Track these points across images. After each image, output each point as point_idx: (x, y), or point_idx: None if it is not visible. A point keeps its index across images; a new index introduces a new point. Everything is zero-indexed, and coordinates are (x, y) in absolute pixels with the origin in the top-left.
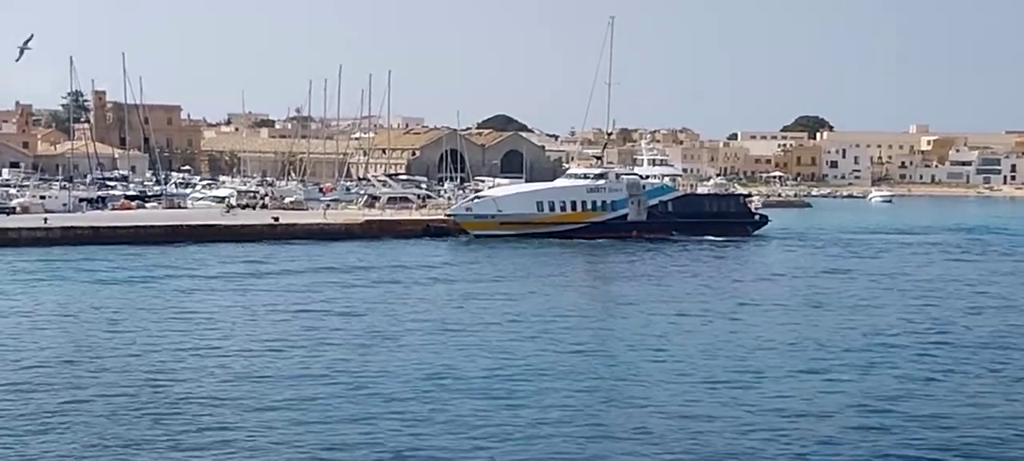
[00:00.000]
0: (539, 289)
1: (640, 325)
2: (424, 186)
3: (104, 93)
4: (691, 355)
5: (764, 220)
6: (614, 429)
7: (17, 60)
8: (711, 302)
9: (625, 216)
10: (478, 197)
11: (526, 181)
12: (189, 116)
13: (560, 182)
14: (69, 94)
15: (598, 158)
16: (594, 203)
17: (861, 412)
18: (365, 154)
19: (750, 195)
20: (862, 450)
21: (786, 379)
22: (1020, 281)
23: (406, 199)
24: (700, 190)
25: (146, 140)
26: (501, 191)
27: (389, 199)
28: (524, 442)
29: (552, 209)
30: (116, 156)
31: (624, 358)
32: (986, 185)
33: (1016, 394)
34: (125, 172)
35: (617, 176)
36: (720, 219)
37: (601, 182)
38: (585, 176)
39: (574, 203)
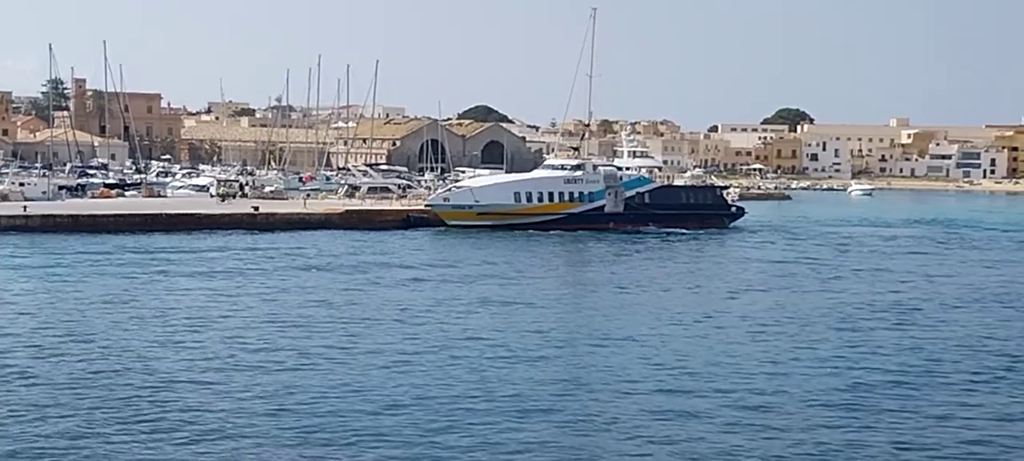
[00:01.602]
0: (512, 279)
1: (604, 315)
2: (404, 176)
3: (84, 81)
4: (657, 347)
5: (740, 212)
6: (583, 419)
7: None
8: (680, 292)
9: (602, 207)
10: (456, 188)
11: (507, 172)
12: (169, 105)
13: (537, 173)
14: (49, 82)
15: (575, 149)
16: (571, 194)
17: (818, 402)
18: (346, 144)
19: (727, 187)
20: (833, 440)
21: (742, 368)
22: (994, 274)
23: (387, 189)
24: (677, 182)
25: (126, 128)
26: (478, 182)
27: (370, 189)
28: (497, 432)
29: (529, 200)
30: (96, 144)
31: (590, 349)
32: (966, 179)
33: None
34: (105, 160)
35: (594, 167)
36: (696, 211)
37: (578, 173)
38: (562, 167)
39: (551, 194)
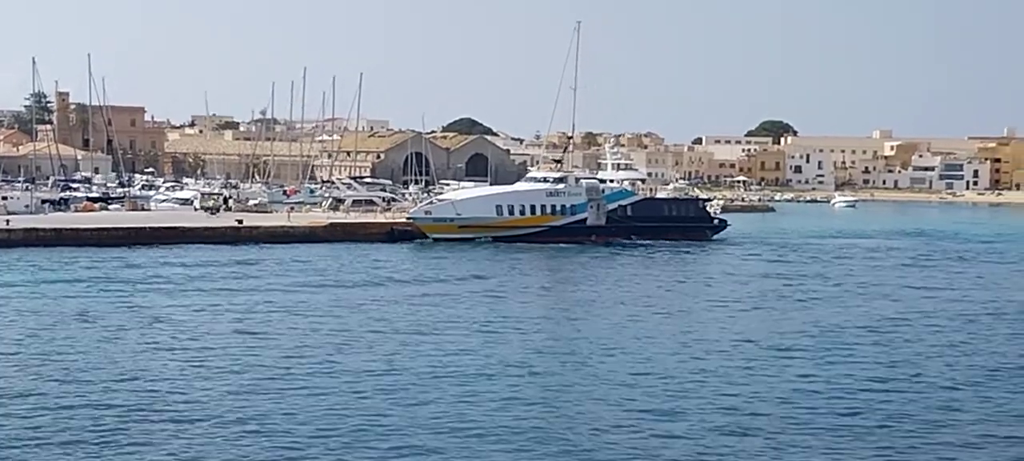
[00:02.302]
0: (490, 293)
1: (584, 327)
2: (388, 189)
3: (67, 94)
4: (635, 356)
5: (723, 224)
6: (562, 433)
7: None
8: (659, 306)
9: (584, 220)
10: (438, 201)
11: (491, 184)
12: (153, 118)
13: (519, 186)
14: (32, 95)
15: (558, 162)
16: (553, 207)
17: (795, 412)
18: (330, 157)
19: (709, 200)
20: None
21: (723, 378)
22: (978, 286)
23: (371, 202)
24: (660, 194)
25: (109, 142)
26: (460, 195)
27: (354, 202)
28: (475, 441)
29: (511, 213)
30: (79, 158)
31: (569, 361)
32: (949, 190)
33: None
34: (88, 174)
35: (576, 180)
36: (679, 223)
37: (560, 186)
38: (544, 180)
39: (533, 207)
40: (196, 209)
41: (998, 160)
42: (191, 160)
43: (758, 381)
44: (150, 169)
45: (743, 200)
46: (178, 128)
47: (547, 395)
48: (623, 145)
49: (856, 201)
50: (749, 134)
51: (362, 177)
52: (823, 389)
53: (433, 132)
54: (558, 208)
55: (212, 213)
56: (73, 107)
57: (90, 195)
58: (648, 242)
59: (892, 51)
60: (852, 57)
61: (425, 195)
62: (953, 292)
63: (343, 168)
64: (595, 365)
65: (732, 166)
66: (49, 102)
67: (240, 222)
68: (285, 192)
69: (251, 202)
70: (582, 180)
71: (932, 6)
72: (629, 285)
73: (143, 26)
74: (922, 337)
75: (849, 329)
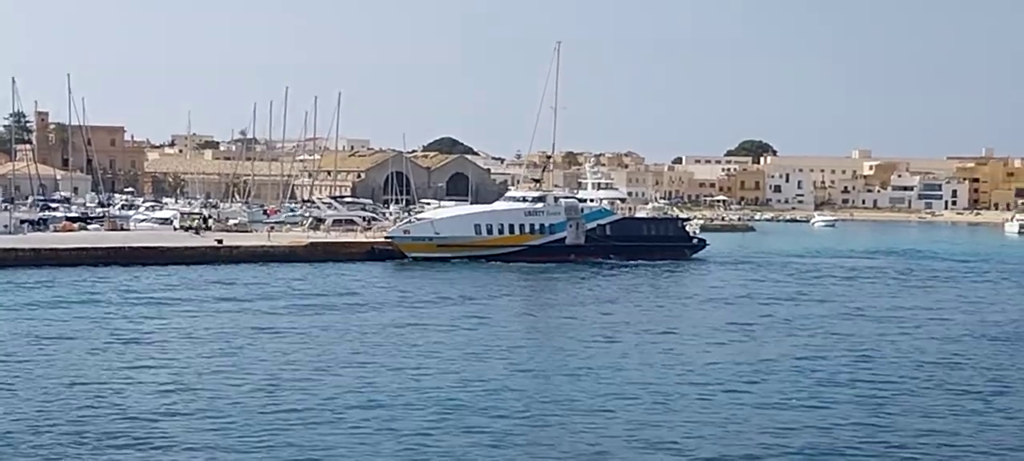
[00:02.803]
0: (467, 314)
1: (561, 347)
2: (369, 208)
3: (47, 114)
4: (612, 377)
5: (702, 243)
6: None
7: None
8: (635, 325)
9: (563, 239)
10: (417, 219)
11: (472, 203)
12: (133, 138)
13: (498, 205)
14: (11, 115)
15: (537, 181)
16: (532, 226)
17: (780, 428)
18: (310, 176)
19: (688, 219)
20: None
21: (693, 398)
22: (958, 305)
23: (351, 221)
24: (639, 213)
25: (89, 161)
26: (439, 214)
27: (334, 221)
28: None
29: (490, 232)
30: (58, 177)
31: (544, 381)
32: (928, 210)
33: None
34: (67, 194)
35: (555, 199)
36: (658, 243)
37: (539, 205)
38: (523, 199)
39: (512, 226)
40: (176, 229)
41: (976, 180)
42: (171, 180)
43: (736, 407)
44: (130, 189)
45: (723, 219)
46: (158, 148)
47: (523, 420)
48: (603, 164)
49: (836, 220)
50: (729, 153)
51: (343, 196)
52: (800, 413)
53: (414, 151)
54: (537, 227)
55: (197, 233)
56: (53, 127)
57: (69, 215)
58: (627, 261)
59: (871, 71)
60: (831, 77)
61: (406, 214)
62: (932, 311)
63: (324, 187)
64: (569, 389)
65: (712, 185)
66: (28, 122)
67: (220, 242)
68: (265, 212)
69: (231, 222)
70: (561, 199)
71: (910, 27)
72: (606, 306)
73: (124, 46)
74: (903, 356)
75: (828, 350)
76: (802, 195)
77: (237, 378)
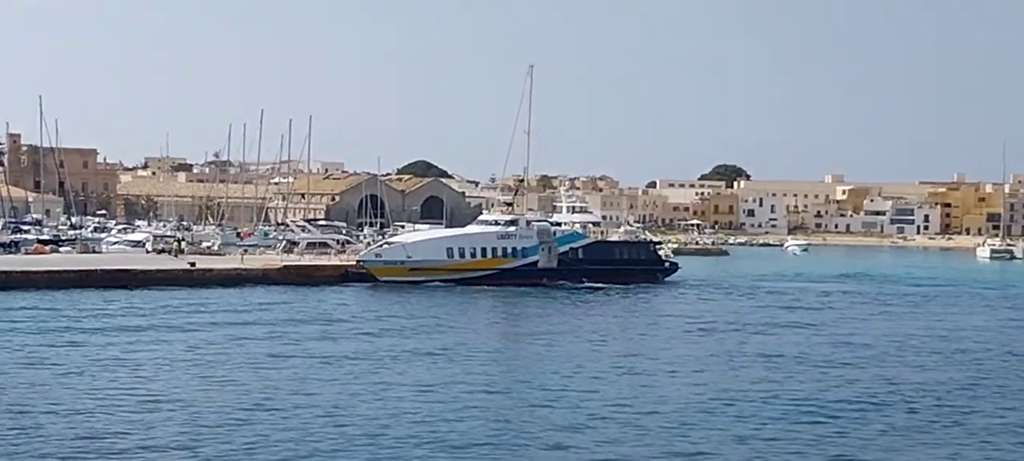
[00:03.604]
0: (436, 340)
1: (529, 371)
2: (343, 231)
3: (19, 136)
4: (580, 403)
5: (674, 267)
6: None
7: None
8: (606, 347)
9: (535, 263)
10: (388, 243)
11: (447, 227)
12: (105, 160)
13: (470, 229)
14: None
15: (509, 204)
16: (504, 250)
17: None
18: (284, 199)
19: (660, 243)
20: None
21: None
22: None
23: (325, 244)
24: (611, 237)
25: (61, 184)
26: (411, 237)
27: (308, 244)
28: None
29: (462, 256)
30: (30, 200)
31: (511, 407)
32: (900, 235)
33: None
34: (39, 216)
35: (528, 223)
36: (630, 266)
37: (512, 229)
38: (496, 223)
39: (484, 250)
40: (148, 251)
41: (948, 205)
42: (144, 202)
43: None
44: (102, 211)
45: (697, 243)
46: (131, 170)
47: (491, 446)
48: (578, 188)
49: (809, 245)
50: (702, 178)
51: (317, 219)
52: (767, 443)
53: (388, 174)
54: (509, 251)
55: (176, 256)
56: (25, 149)
57: (41, 237)
58: (599, 284)
59: (844, 97)
60: (805, 102)
61: (380, 237)
62: (903, 335)
63: (298, 210)
64: (534, 416)
65: (686, 209)
66: (0, 144)
67: (193, 265)
68: (239, 234)
69: (204, 244)
70: (533, 223)
71: (882, 53)
72: (575, 332)
73: (97, 68)
74: (872, 377)
75: (795, 377)
76: (775, 219)
77: (205, 402)
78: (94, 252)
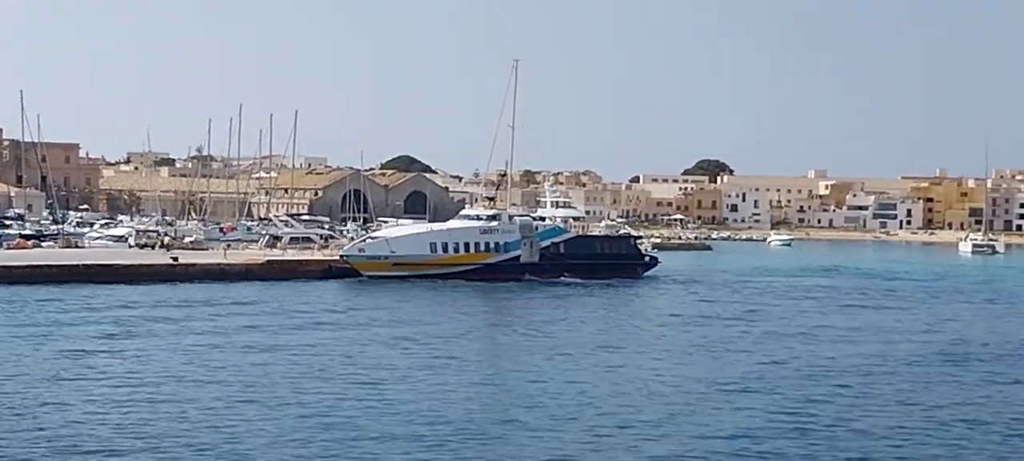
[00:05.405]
0: (417, 333)
1: (503, 364)
2: (327, 226)
3: (1, 131)
4: (560, 395)
5: (654, 261)
6: None
7: None
8: (584, 340)
9: (517, 257)
10: (371, 238)
11: (430, 222)
12: (88, 155)
13: (453, 224)
14: None
15: (491, 199)
16: (487, 244)
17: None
18: (267, 194)
19: (640, 237)
20: None
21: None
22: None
23: (309, 239)
24: (593, 232)
25: (43, 178)
26: (394, 232)
27: (291, 239)
28: None
29: (445, 250)
30: (12, 195)
31: (492, 399)
32: (883, 229)
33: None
34: (21, 211)
35: (510, 218)
36: (611, 261)
37: (494, 224)
38: (478, 217)
39: (467, 244)
40: (131, 246)
41: (930, 199)
42: (126, 197)
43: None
44: (85, 206)
45: (680, 238)
46: (113, 165)
47: (473, 438)
48: (562, 183)
49: (792, 239)
50: (686, 173)
51: (300, 214)
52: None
53: (372, 169)
54: (492, 245)
55: (165, 250)
56: (6, 143)
57: (23, 232)
58: (580, 279)
59: (827, 92)
60: (788, 98)
61: (363, 232)
62: (881, 331)
63: (281, 205)
64: (515, 413)
65: (669, 204)
66: None
67: (176, 260)
68: (222, 229)
69: (187, 239)
70: (515, 217)
71: (865, 48)
72: (554, 326)
73: (79, 62)
74: (849, 377)
75: (773, 371)
76: (759, 214)
77: (186, 397)
78: (77, 247)
